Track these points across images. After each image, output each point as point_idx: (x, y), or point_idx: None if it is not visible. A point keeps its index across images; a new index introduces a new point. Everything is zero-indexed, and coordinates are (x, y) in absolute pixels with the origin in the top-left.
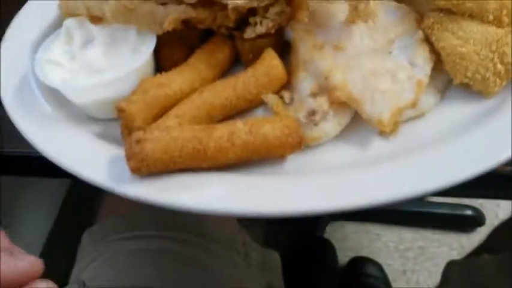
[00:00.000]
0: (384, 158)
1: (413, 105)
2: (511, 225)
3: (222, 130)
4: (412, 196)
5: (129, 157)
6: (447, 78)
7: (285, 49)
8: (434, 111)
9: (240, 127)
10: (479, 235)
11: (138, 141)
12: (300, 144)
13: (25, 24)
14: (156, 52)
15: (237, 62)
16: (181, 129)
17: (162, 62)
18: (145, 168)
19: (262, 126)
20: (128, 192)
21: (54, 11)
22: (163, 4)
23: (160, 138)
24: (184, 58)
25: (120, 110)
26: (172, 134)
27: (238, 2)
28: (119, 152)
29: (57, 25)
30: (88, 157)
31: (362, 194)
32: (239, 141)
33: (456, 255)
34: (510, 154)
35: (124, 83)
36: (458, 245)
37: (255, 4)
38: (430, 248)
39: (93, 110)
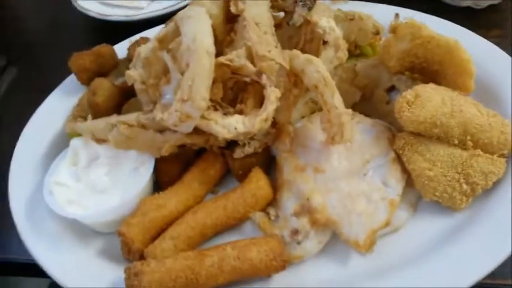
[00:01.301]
0: (362, 276)
1: (387, 224)
2: None
3: (212, 258)
4: None
5: (128, 287)
6: (419, 192)
7: (272, 164)
8: (408, 225)
9: (229, 253)
10: None
11: (136, 275)
12: (283, 266)
13: (33, 138)
14: (154, 167)
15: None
16: (175, 259)
17: (159, 176)
18: None
19: (249, 251)
20: None
21: (60, 123)
22: (161, 132)
23: (155, 270)
24: (180, 173)
25: (121, 234)
26: (166, 265)
27: (227, 136)
28: (119, 273)
29: (63, 139)
30: (90, 280)
31: None
32: (228, 268)
33: None
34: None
35: (126, 207)
36: None
37: (241, 138)
38: None
39: (98, 228)
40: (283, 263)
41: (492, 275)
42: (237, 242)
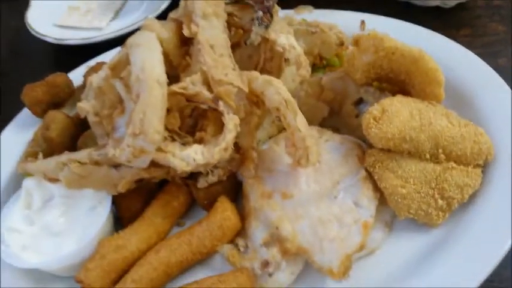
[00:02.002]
0: None
1: (362, 248)
2: None
3: None
4: None
5: None
6: (393, 210)
7: (239, 189)
8: (384, 246)
9: None
10: None
11: None
12: None
13: None
14: (115, 202)
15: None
16: None
17: (120, 213)
18: None
19: None
20: None
21: (14, 162)
22: (116, 167)
23: None
24: (142, 207)
25: (79, 281)
26: None
27: (186, 168)
28: None
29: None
30: None
31: None
32: None
33: None
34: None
35: (84, 250)
36: None
37: (201, 169)
38: None
39: (57, 272)
40: None
41: None
42: (203, 281)
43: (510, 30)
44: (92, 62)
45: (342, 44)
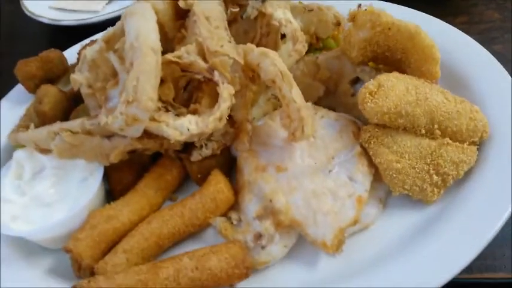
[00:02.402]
0: (332, 278)
1: (355, 222)
2: None
3: (168, 270)
4: None
5: None
6: (388, 187)
7: (232, 165)
8: (378, 222)
9: (186, 263)
10: None
11: None
12: (247, 274)
13: None
14: (106, 175)
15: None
16: (125, 274)
17: (112, 185)
18: None
19: (208, 260)
20: None
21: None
22: (108, 137)
23: None
24: (135, 180)
25: (68, 250)
26: (117, 281)
27: (179, 138)
28: None
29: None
30: None
31: None
32: (186, 280)
33: None
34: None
35: (74, 220)
36: None
37: (195, 139)
38: None
39: (46, 244)
40: (246, 271)
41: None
42: (195, 252)
43: (505, 17)
44: (86, 42)
45: (338, 24)
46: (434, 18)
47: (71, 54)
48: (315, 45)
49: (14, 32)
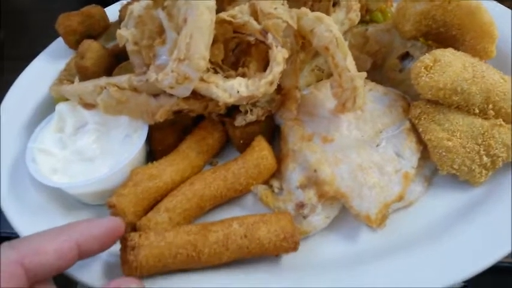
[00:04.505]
0: (372, 253)
1: (401, 198)
2: None
3: (217, 234)
4: None
5: (123, 262)
6: (434, 166)
7: (275, 133)
8: (421, 200)
9: (235, 230)
10: None
11: (133, 248)
12: (295, 248)
13: (16, 103)
14: (148, 135)
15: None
16: (176, 233)
17: (153, 145)
18: (138, 274)
19: (258, 229)
20: None
21: (45, 88)
22: (155, 96)
23: (154, 245)
24: (176, 142)
25: (111, 206)
26: (167, 239)
27: (228, 100)
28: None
29: (49, 104)
30: None
31: None
32: (234, 246)
33: None
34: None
35: (117, 177)
36: None
37: (244, 102)
38: None
39: (86, 199)
40: (295, 245)
41: None
42: (245, 218)
43: None
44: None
45: None
46: None
47: (110, 12)
48: (363, 17)
49: None
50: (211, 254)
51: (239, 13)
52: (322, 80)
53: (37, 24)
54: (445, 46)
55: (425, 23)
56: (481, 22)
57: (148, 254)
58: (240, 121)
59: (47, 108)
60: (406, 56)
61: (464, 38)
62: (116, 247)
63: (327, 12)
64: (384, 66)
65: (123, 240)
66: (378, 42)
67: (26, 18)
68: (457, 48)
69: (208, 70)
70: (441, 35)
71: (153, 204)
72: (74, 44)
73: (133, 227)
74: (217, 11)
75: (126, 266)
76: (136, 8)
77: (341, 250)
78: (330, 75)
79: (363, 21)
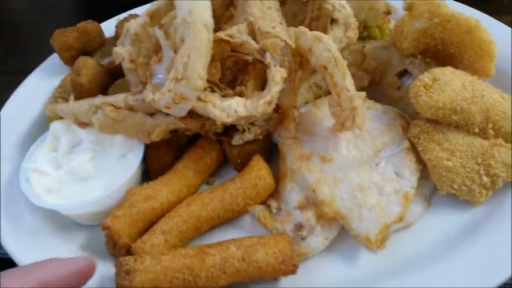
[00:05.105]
0: (373, 275)
1: (401, 219)
2: None
3: (214, 257)
4: None
5: (118, 286)
6: (433, 185)
7: (273, 152)
8: (421, 220)
9: (233, 252)
10: None
11: (128, 273)
12: (293, 271)
13: (10, 121)
14: (144, 153)
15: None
16: (172, 256)
17: (149, 164)
18: None
19: (255, 252)
20: None
21: (39, 106)
22: (151, 115)
23: (150, 269)
24: (172, 161)
25: (106, 228)
26: (163, 262)
27: (226, 120)
28: (103, 270)
29: (42, 123)
30: None
31: None
32: (231, 269)
33: None
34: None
35: (112, 198)
36: None
37: (242, 122)
38: None
39: (80, 220)
40: (293, 268)
41: None
42: (242, 240)
43: None
44: (123, 16)
45: (389, 13)
46: (483, 14)
47: (106, 27)
48: (360, 33)
49: (46, 2)
50: (208, 278)
51: (237, 32)
52: (320, 97)
53: (32, 40)
54: (443, 64)
55: (424, 40)
56: (480, 40)
57: (143, 278)
58: (237, 140)
59: (41, 126)
60: (404, 73)
61: (462, 56)
62: (111, 270)
63: (325, 30)
64: (382, 84)
65: (118, 264)
66: (376, 60)
67: (20, 33)
68: (455, 66)
69: (205, 89)
70: (439, 52)
71: (148, 226)
72: (70, 60)
73: (128, 250)
74: (214, 30)
75: None
76: (133, 26)
77: (340, 272)
78: (328, 92)
79: (360, 37)
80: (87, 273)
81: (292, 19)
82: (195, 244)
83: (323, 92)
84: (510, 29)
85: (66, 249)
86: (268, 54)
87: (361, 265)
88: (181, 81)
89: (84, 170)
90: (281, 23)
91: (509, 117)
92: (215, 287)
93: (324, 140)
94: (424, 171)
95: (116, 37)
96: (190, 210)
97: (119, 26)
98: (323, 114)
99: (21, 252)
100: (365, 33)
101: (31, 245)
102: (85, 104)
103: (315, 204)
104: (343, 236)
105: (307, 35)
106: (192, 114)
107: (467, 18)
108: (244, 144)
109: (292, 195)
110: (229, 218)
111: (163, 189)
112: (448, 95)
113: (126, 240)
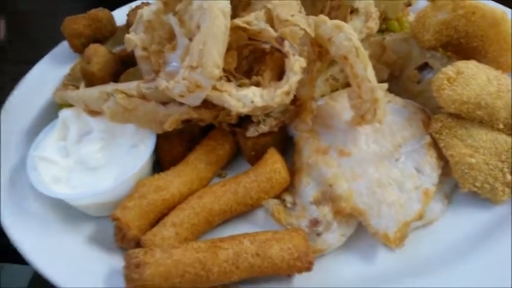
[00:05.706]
0: (391, 274)
1: (421, 217)
2: None
3: (227, 252)
4: None
5: (127, 280)
6: (454, 182)
7: (288, 145)
8: (442, 218)
9: (246, 247)
10: None
11: (137, 266)
12: (309, 268)
13: (18, 108)
14: (155, 144)
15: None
16: (184, 250)
17: (161, 155)
18: None
19: (270, 247)
20: None
21: (48, 93)
22: (164, 104)
23: (160, 262)
24: (184, 152)
25: (115, 219)
26: (174, 256)
27: (242, 110)
28: (111, 263)
29: (51, 109)
30: (78, 270)
31: None
32: (245, 265)
33: None
34: None
35: (122, 188)
36: None
37: (258, 113)
38: None
39: (89, 210)
40: (309, 265)
41: None
42: (256, 235)
43: None
44: (136, 4)
45: (409, 4)
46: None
47: (117, 16)
48: (379, 26)
49: None
50: (220, 272)
51: (255, 20)
52: (337, 89)
53: (42, 27)
54: (465, 57)
55: (447, 33)
56: (506, 34)
57: (154, 272)
58: (252, 132)
59: (50, 114)
60: (424, 67)
61: (486, 49)
62: (119, 263)
63: (345, 20)
64: (402, 77)
65: (127, 257)
66: (396, 52)
67: (30, 21)
68: (478, 60)
69: (221, 78)
70: (461, 46)
71: (159, 218)
72: (80, 47)
73: (137, 243)
74: (232, 17)
75: (130, 285)
76: (146, 13)
77: (357, 270)
78: (345, 85)
79: (378, 30)
80: None
81: (311, 8)
82: (206, 238)
83: (340, 84)
84: None
85: (74, 241)
86: (286, 43)
87: (378, 264)
88: (197, 69)
89: (94, 160)
90: (300, 12)
91: None
92: (227, 282)
93: (342, 134)
94: (445, 168)
95: (128, 25)
96: (202, 202)
97: (131, 14)
98: (341, 107)
99: (27, 241)
100: (383, 26)
101: (38, 235)
102: (96, 91)
103: (332, 199)
104: (360, 233)
105: (327, 24)
106: (206, 104)
107: (493, 10)
108: (259, 136)
109: (308, 189)
110: (242, 212)
111: (175, 180)
112: (473, 89)
113: (136, 232)
